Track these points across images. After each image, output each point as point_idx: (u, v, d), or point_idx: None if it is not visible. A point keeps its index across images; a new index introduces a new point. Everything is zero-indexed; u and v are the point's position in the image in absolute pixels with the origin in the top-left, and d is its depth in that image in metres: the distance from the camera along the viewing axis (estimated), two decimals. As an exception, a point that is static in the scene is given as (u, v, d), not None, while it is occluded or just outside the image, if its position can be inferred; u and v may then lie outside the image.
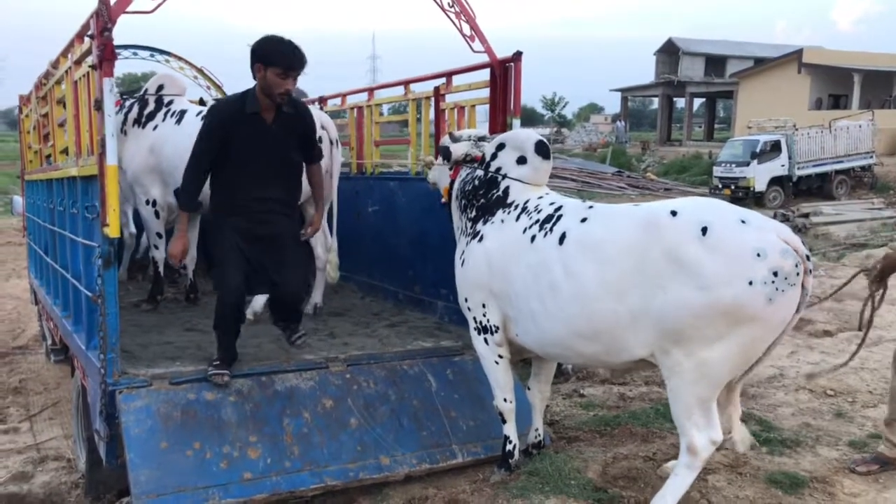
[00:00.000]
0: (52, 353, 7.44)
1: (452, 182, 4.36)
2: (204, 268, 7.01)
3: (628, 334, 3.41)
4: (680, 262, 3.21)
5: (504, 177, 4.07)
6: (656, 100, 49.76)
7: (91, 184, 4.08)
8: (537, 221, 3.79)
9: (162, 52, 8.81)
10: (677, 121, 48.76)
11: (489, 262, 3.95)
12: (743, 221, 3.23)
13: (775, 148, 23.09)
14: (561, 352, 3.80)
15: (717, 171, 24.12)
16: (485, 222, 4.06)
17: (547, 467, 4.01)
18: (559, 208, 3.80)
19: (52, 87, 5.44)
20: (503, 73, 4.80)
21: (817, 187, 24.04)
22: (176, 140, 5.62)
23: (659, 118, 47.80)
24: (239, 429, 3.83)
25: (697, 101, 48.11)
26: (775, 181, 23.04)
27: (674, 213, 3.31)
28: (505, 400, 4.08)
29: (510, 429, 4.12)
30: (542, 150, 4.05)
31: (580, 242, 3.54)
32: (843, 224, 17.33)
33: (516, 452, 4.13)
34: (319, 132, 5.40)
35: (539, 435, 4.32)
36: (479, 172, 4.18)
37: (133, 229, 7.06)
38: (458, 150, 4.33)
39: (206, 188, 4.36)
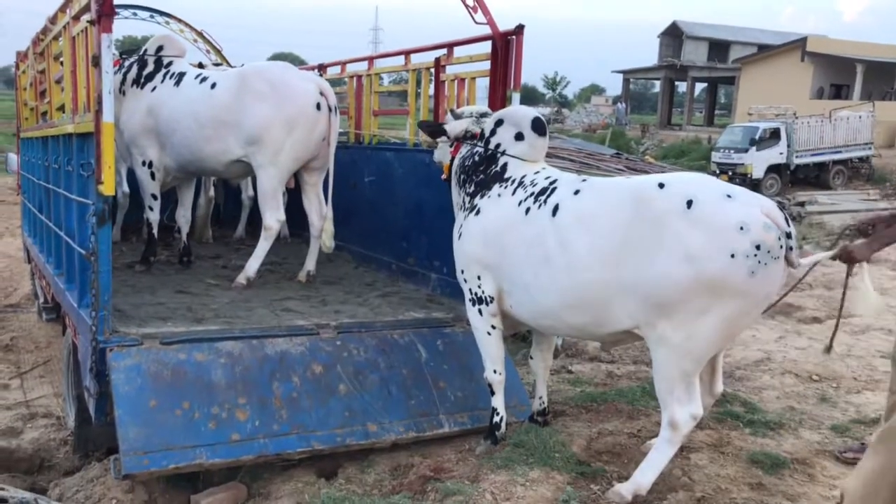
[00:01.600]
0: (44, 312, 7.47)
1: (453, 159, 4.38)
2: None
3: (615, 305, 3.46)
4: (665, 234, 3.26)
5: (503, 153, 4.10)
6: (658, 83, 49.55)
7: (87, 141, 4.06)
8: (532, 194, 3.84)
9: (162, 13, 8.74)
10: (678, 105, 48.57)
11: (485, 234, 3.99)
12: (728, 196, 3.27)
13: (774, 135, 23.02)
14: (552, 323, 3.84)
15: (716, 156, 24.05)
16: (482, 197, 4.10)
17: (532, 440, 4.04)
18: (554, 181, 3.84)
19: (49, 42, 5.40)
20: (504, 46, 4.78)
21: (814, 176, 24.01)
22: (173, 102, 5.60)
23: (660, 101, 47.59)
24: (228, 390, 3.85)
25: (699, 86, 47.90)
26: (773, 169, 23.00)
27: (661, 186, 3.37)
28: (495, 371, 4.12)
29: (498, 401, 4.16)
30: (538, 126, 4.09)
31: (573, 214, 3.59)
32: (838, 214, 17.37)
33: (503, 425, 4.17)
34: (318, 98, 5.38)
35: (543, 402, 4.37)
36: (479, 149, 4.21)
37: (126, 188, 7.03)
38: (457, 126, 4.36)
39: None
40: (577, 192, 3.66)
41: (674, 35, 45.22)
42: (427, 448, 4.16)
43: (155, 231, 6.02)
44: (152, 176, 5.85)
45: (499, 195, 4.02)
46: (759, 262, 3.17)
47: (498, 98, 4.84)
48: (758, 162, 22.73)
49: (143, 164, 5.82)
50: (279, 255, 6.52)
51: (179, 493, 3.86)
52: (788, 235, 3.26)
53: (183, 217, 6.23)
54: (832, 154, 23.96)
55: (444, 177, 4.50)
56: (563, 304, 3.64)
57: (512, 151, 4.08)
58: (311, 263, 5.77)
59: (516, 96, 4.76)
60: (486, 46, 4.94)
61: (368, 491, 3.78)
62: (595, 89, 76.56)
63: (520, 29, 4.71)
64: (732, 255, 3.16)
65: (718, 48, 45.06)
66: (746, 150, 22.83)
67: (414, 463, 4.01)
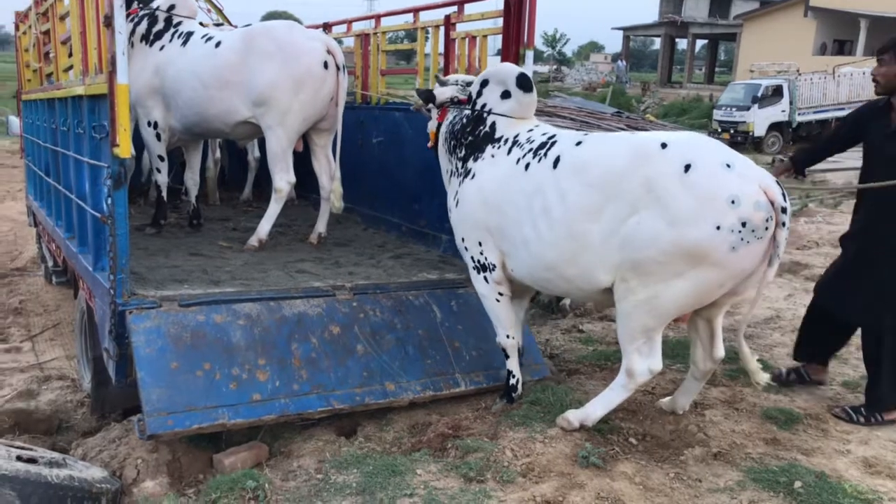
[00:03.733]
0: (53, 275, 7.47)
1: (440, 126, 4.34)
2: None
3: (597, 257, 3.47)
4: (657, 193, 3.26)
5: (489, 112, 4.06)
6: (658, 40, 48.98)
7: (99, 103, 4.02)
8: (531, 150, 3.82)
9: (161, -29, 8.56)
10: (678, 62, 48.15)
11: (484, 197, 3.96)
12: (728, 165, 3.24)
13: (777, 93, 22.84)
14: (550, 277, 3.79)
15: (717, 114, 23.89)
16: (475, 160, 4.06)
17: (549, 398, 4.10)
18: (552, 136, 3.83)
19: (53, 2, 5.31)
20: (518, 3, 4.70)
21: (817, 134, 23.81)
22: (179, 62, 5.52)
23: (660, 59, 47.09)
24: (248, 351, 3.88)
25: (700, 43, 47.39)
26: (774, 126, 22.86)
27: (664, 146, 3.35)
28: (508, 336, 4.13)
29: (513, 363, 4.19)
30: (523, 83, 4.04)
31: (572, 164, 3.59)
32: (841, 171, 17.31)
33: (519, 386, 4.20)
34: (325, 57, 5.31)
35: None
36: (467, 112, 4.17)
37: (133, 151, 6.97)
38: (443, 93, 4.32)
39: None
40: (579, 143, 3.66)
41: (675, -10, 44.62)
42: (444, 407, 4.21)
43: (164, 193, 5.99)
44: (158, 137, 5.80)
45: (492, 156, 3.99)
46: (742, 238, 3.17)
47: (511, 56, 4.77)
48: (759, 120, 22.59)
49: (149, 124, 5.76)
50: (288, 217, 6.50)
51: (202, 453, 3.90)
52: (784, 210, 3.24)
53: (191, 180, 6.21)
54: (835, 111, 23.77)
55: (430, 144, 4.47)
56: (559, 256, 3.63)
57: (499, 110, 4.04)
58: (321, 225, 5.76)
59: (530, 54, 4.70)
60: (499, 3, 4.86)
61: (388, 449, 3.83)
62: (594, 46, 75.72)
63: (534, -16, 4.64)
64: (718, 227, 3.16)
65: (720, 4, 44.47)
66: (748, 108, 22.68)
67: (432, 421, 4.06)
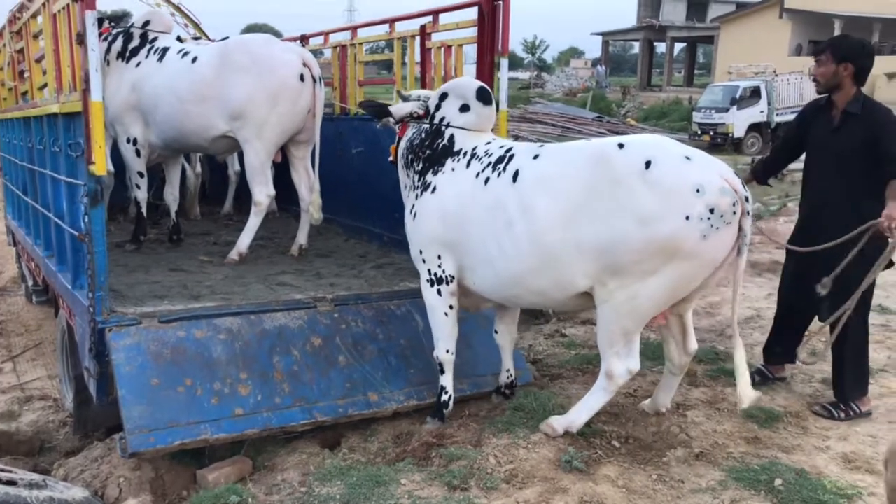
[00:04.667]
0: (33, 294, 7.42)
1: (399, 140, 4.34)
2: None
3: (574, 265, 3.49)
4: (623, 194, 3.30)
5: (447, 125, 4.08)
6: (637, 44, 49.37)
7: (74, 121, 4.01)
8: (489, 164, 3.82)
9: (137, -13, 8.55)
10: (658, 66, 48.55)
11: (444, 212, 3.93)
12: (687, 158, 3.32)
13: (755, 94, 23.09)
14: (517, 292, 3.81)
15: (697, 116, 24.10)
16: (434, 173, 4.05)
17: (531, 403, 4.11)
18: (510, 150, 3.85)
19: (27, 21, 5.29)
20: (491, 12, 4.74)
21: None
22: (156, 78, 5.52)
23: (640, 63, 47.48)
24: (229, 366, 3.87)
25: (678, 46, 47.85)
26: (754, 127, 23.08)
27: (621, 146, 3.41)
28: (447, 351, 4.07)
29: (447, 380, 4.10)
30: (482, 95, 4.06)
31: (533, 177, 3.60)
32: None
33: (451, 404, 4.11)
34: (301, 70, 5.33)
35: (511, 375, 4.38)
36: (425, 126, 4.18)
37: (111, 167, 6.95)
38: (401, 109, 4.31)
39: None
40: (536, 157, 3.69)
41: (652, -6, 45.03)
42: (428, 415, 4.21)
43: (144, 209, 5.98)
44: (137, 153, 5.79)
45: (452, 169, 3.98)
46: (712, 225, 3.23)
47: (486, 64, 4.82)
48: (739, 121, 22.81)
49: (128, 140, 5.75)
50: (269, 229, 6.50)
51: (185, 469, 3.88)
52: (746, 199, 3.32)
53: (171, 195, 6.19)
54: (812, 110, 24.05)
55: (390, 158, 4.46)
56: (526, 269, 3.63)
57: (458, 123, 4.05)
58: (302, 237, 5.76)
59: (504, 62, 4.74)
60: (473, 13, 4.90)
61: (372, 459, 3.83)
62: (574, 52, 76.25)
63: (506, -6, 4.68)
64: (687, 218, 3.21)
65: (697, 7, 44.96)
66: (727, 110, 22.89)
67: (416, 430, 4.06)
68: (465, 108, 4.05)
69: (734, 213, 3.26)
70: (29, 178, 5.88)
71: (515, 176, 3.66)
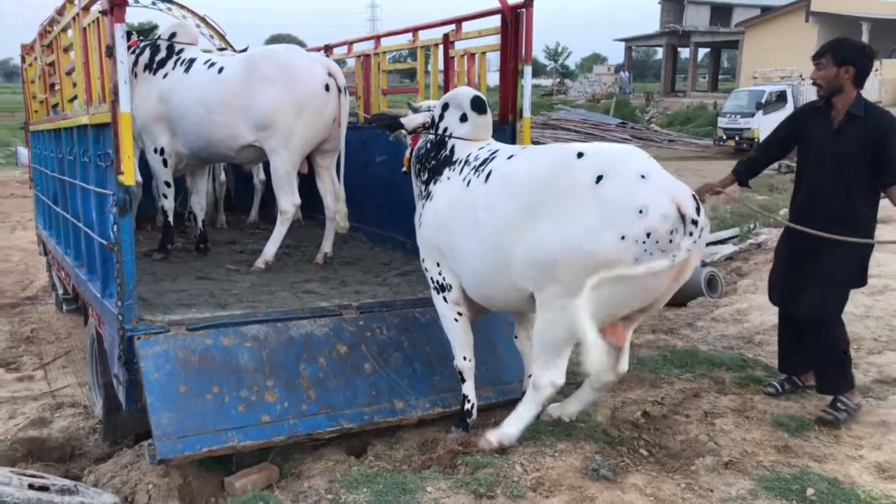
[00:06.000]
0: (63, 303, 7.52)
1: (412, 151, 4.39)
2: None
3: (521, 267, 3.48)
4: (570, 204, 3.27)
5: (450, 136, 4.13)
6: (660, 50, 49.11)
7: (103, 131, 4.07)
8: (474, 167, 3.88)
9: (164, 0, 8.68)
10: (681, 71, 48.28)
11: (437, 219, 3.99)
12: (643, 176, 3.21)
13: (781, 98, 22.85)
14: (489, 293, 3.82)
15: (722, 122, 23.92)
16: (435, 182, 4.11)
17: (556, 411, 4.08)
18: (494, 152, 3.88)
19: (58, 34, 5.39)
20: (514, 20, 4.75)
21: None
22: (183, 89, 5.59)
23: (663, 69, 47.22)
24: (256, 373, 3.90)
25: (702, 52, 47.51)
26: (780, 132, 22.85)
27: (580, 156, 3.36)
28: (465, 358, 4.05)
29: (469, 388, 4.07)
30: (477, 105, 4.10)
31: (500, 176, 3.65)
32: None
33: (474, 412, 4.08)
34: (326, 79, 5.37)
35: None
36: (431, 136, 4.23)
37: (139, 178, 7.05)
38: (412, 121, 4.35)
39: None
40: (511, 157, 3.72)
41: (675, 0, 44.75)
42: (453, 423, 4.20)
43: (170, 218, 6.05)
44: (164, 163, 5.86)
45: (448, 178, 4.03)
46: (646, 250, 3.12)
47: (509, 72, 4.83)
48: (764, 126, 22.47)
49: (156, 151, 5.83)
50: (295, 238, 6.54)
51: (213, 476, 3.91)
52: (694, 223, 3.17)
53: (197, 204, 6.26)
54: (840, 114, 23.74)
55: (404, 170, 4.50)
56: (489, 268, 3.64)
57: (458, 133, 4.10)
58: (327, 245, 5.80)
59: (528, 69, 4.74)
60: (496, 21, 4.91)
61: (398, 467, 3.83)
62: (597, 58, 75.97)
63: (529, 1, 4.68)
64: (623, 238, 3.13)
65: (721, 12, 44.62)
66: (753, 115, 22.68)
67: (441, 438, 4.06)
68: (463, 118, 4.11)
69: (670, 241, 3.14)
70: (59, 189, 5.97)
71: (488, 176, 3.71)
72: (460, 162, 4.02)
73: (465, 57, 5.38)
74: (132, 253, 3.86)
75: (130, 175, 3.75)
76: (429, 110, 4.37)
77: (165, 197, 5.99)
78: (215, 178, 7.64)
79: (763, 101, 22.75)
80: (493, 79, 5.61)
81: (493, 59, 5.21)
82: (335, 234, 5.81)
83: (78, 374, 6.50)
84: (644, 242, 3.12)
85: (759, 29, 36.84)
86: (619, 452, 3.73)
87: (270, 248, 5.52)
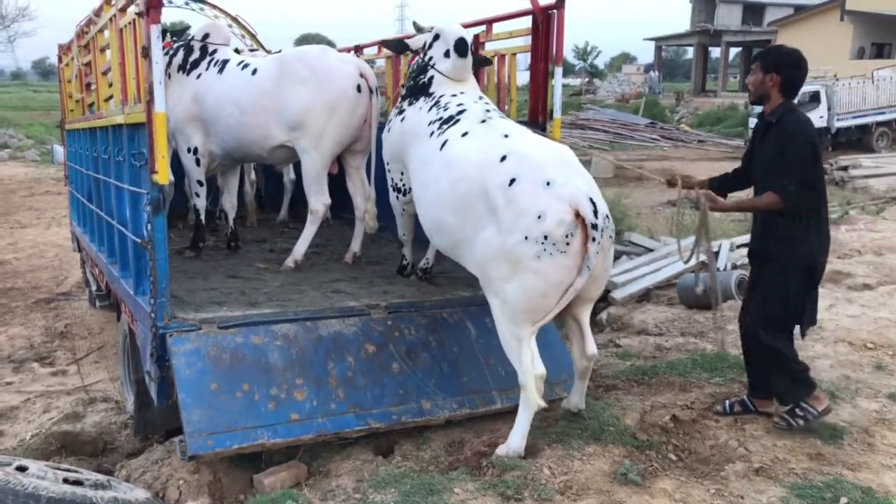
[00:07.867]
0: (97, 299, 7.64)
1: (410, 67, 4.84)
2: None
3: (466, 251, 3.90)
4: (488, 202, 3.64)
5: (432, 66, 4.51)
6: (691, 49, 48.61)
7: (138, 131, 4.13)
8: (440, 119, 4.22)
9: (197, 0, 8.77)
10: (712, 71, 47.66)
11: (402, 138, 4.49)
12: (548, 183, 3.52)
13: (814, 99, 22.48)
14: (442, 225, 4.17)
15: (753, 122, 23.58)
16: (410, 104, 4.55)
17: (586, 414, 4.07)
18: (461, 112, 4.18)
19: (95, 35, 5.47)
20: (545, 21, 4.73)
21: (856, 139, 23.41)
22: (217, 89, 5.65)
23: (693, 68, 46.73)
24: (285, 372, 3.93)
25: (733, 51, 46.89)
26: (813, 133, 22.47)
27: (503, 159, 3.68)
28: (403, 234, 5.12)
29: (407, 251, 5.20)
30: (459, 47, 4.48)
31: (448, 155, 3.97)
32: (883, 177, 16.96)
33: (409, 268, 5.19)
34: (358, 80, 5.39)
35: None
36: (419, 59, 4.64)
37: (172, 177, 7.13)
38: (417, 41, 4.78)
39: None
40: (464, 135, 3.99)
41: (706, -1, 44.29)
42: (480, 424, 4.21)
43: (202, 217, 6.11)
44: (197, 162, 5.93)
45: (419, 108, 4.44)
46: (545, 250, 3.46)
47: (540, 72, 4.81)
48: (797, 127, 22.20)
49: (189, 150, 5.90)
50: (324, 237, 6.57)
51: (243, 473, 3.95)
52: (594, 227, 3.46)
53: (229, 203, 6.32)
54: (875, 115, 23.34)
55: (401, 83, 4.94)
56: (432, 227, 4.15)
57: (439, 67, 4.48)
58: (356, 245, 5.82)
59: (559, 70, 4.73)
60: (527, 21, 4.90)
61: (425, 468, 3.84)
62: (626, 58, 75.39)
63: (560, 2, 4.66)
64: (526, 238, 3.49)
65: (753, 11, 44.05)
66: (785, 115, 22.28)
67: (468, 439, 4.06)
68: (447, 54, 4.48)
69: (568, 243, 3.45)
70: (94, 187, 6.06)
71: (443, 145, 4.03)
72: (433, 98, 4.39)
73: (496, 57, 5.37)
74: (165, 251, 3.91)
75: (164, 174, 3.81)
76: (431, 29, 4.71)
77: (198, 196, 6.05)
78: (247, 177, 7.71)
79: (796, 101, 22.37)
80: (523, 79, 5.60)
81: (522, 59, 5.20)
82: (364, 234, 5.83)
83: (110, 369, 6.61)
84: (542, 243, 3.47)
85: (793, 28, 36.28)
86: (647, 457, 3.70)
87: (300, 248, 5.56)
